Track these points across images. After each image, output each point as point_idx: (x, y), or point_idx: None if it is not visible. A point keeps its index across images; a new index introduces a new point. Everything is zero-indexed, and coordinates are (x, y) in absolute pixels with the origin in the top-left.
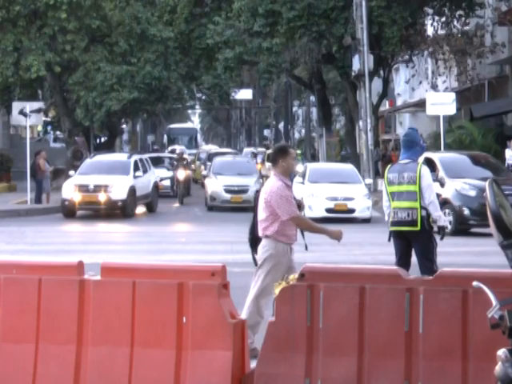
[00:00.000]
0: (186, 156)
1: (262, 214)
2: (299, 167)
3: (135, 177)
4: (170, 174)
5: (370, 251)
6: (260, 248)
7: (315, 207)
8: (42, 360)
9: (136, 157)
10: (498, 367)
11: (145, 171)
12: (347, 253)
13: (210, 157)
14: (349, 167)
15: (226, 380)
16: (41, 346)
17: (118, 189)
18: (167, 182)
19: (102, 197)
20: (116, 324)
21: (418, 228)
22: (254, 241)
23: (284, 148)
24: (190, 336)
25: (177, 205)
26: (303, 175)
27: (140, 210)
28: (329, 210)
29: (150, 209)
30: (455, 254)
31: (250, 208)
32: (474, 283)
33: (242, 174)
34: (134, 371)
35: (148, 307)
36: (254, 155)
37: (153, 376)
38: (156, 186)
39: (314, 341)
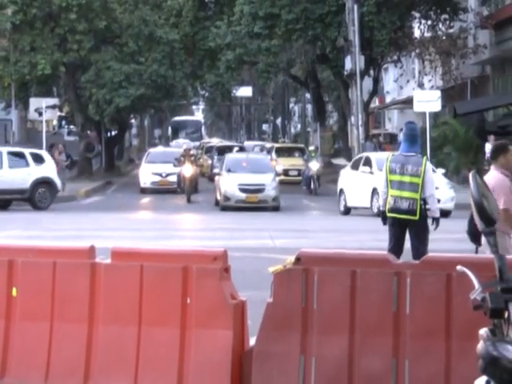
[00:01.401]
0: (193, 151)
1: None
2: (314, 165)
3: None
4: (177, 169)
5: (360, 238)
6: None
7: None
8: (56, 337)
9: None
10: (480, 346)
11: (22, 165)
12: (338, 239)
13: (219, 150)
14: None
15: (227, 356)
16: (55, 325)
17: None
18: (173, 178)
19: None
20: (125, 304)
21: (417, 217)
22: (475, 234)
23: (504, 146)
24: (194, 316)
25: (183, 202)
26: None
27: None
28: None
29: (33, 205)
30: (438, 240)
31: (267, 208)
32: (458, 267)
33: (257, 171)
34: (142, 348)
35: (155, 289)
36: (268, 151)
37: (159, 353)
38: (40, 182)
39: (308, 321)
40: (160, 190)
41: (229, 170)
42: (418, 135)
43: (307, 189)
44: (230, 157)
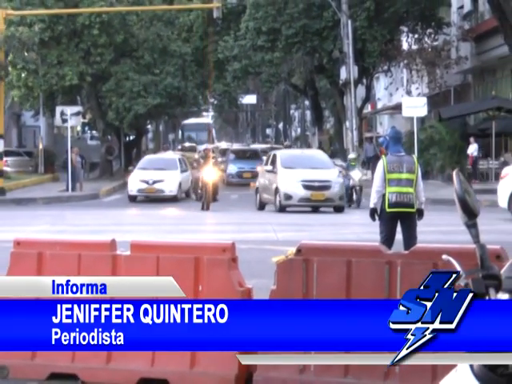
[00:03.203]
0: (212, 154)
1: None
2: (356, 174)
3: None
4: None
5: (356, 230)
6: None
7: None
8: None
9: None
10: None
11: None
12: (336, 232)
13: (236, 153)
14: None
15: None
16: None
17: None
18: (160, 185)
19: None
20: None
21: (414, 209)
22: None
23: None
24: None
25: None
26: None
27: None
28: None
29: None
30: (425, 233)
31: (334, 207)
32: (444, 256)
33: (318, 167)
34: None
35: None
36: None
37: None
38: None
39: None
40: (150, 198)
41: (286, 167)
42: (402, 137)
43: (347, 201)
44: (283, 152)
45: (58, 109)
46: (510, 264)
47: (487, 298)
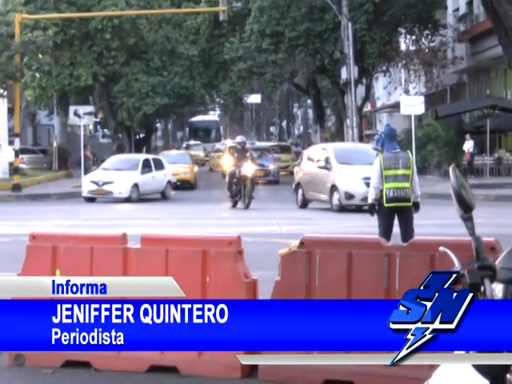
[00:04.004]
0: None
1: None
2: None
3: None
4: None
5: (357, 223)
6: None
7: None
8: None
9: None
10: None
11: None
12: (337, 225)
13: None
14: None
15: None
16: None
17: None
18: (110, 187)
19: None
20: None
21: (411, 203)
22: None
23: None
24: (213, 292)
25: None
26: None
27: None
28: None
29: None
30: (422, 226)
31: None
32: (440, 248)
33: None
34: None
35: (178, 270)
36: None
37: None
38: None
39: (311, 296)
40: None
41: (342, 163)
42: (396, 134)
43: None
44: (335, 147)
45: (72, 108)
46: (504, 255)
47: (482, 288)
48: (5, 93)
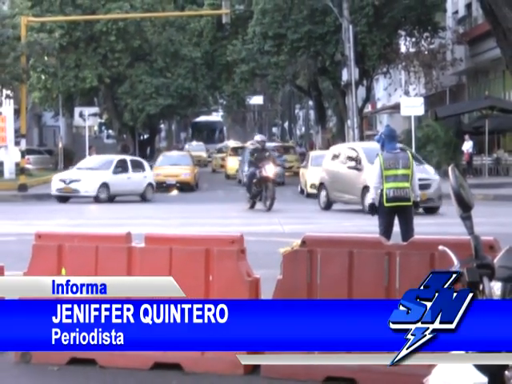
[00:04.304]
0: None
1: None
2: None
3: None
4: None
5: (357, 223)
6: None
7: None
8: None
9: None
10: None
11: None
12: (338, 224)
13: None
14: None
15: None
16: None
17: None
18: (76, 185)
19: None
20: None
21: (410, 203)
22: None
23: None
24: (216, 291)
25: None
26: None
27: None
28: None
29: None
30: (422, 225)
31: (427, 208)
32: (440, 247)
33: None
34: None
35: (182, 268)
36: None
37: None
38: None
39: (313, 294)
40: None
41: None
42: (396, 134)
43: None
44: (365, 146)
45: (77, 110)
46: (502, 254)
47: (481, 286)
48: (11, 94)
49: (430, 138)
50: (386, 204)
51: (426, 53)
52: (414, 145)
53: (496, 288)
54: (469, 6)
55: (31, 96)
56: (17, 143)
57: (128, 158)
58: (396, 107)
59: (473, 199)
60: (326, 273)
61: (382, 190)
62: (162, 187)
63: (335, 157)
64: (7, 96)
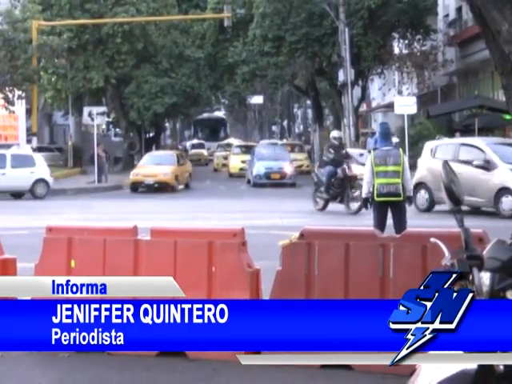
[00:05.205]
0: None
1: None
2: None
3: None
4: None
5: (352, 217)
6: None
7: None
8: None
9: None
10: None
11: None
12: (336, 218)
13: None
14: None
15: None
16: None
17: None
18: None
19: None
20: (162, 273)
21: (402, 198)
22: None
23: None
24: (218, 281)
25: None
26: None
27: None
28: None
29: None
30: (415, 218)
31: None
32: (432, 239)
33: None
34: None
35: (186, 260)
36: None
37: None
38: None
39: (311, 285)
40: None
41: (506, 162)
42: (391, 132)
43: None
44: (491, 142)
45: (86, 109)
46: (491, 246)
47: (470, 276)
48: (23, 94)
49: (422, 135)
50: (376, 198)
51: (419, 54)
52: (406, 142)
53: (485, 278)
54: (459, 10)
55: (43, 96)
56: (28, 141)
57: (9, 152)
58: (390, 106)
59: (463, 194)
60: (323, 264)
61: (373, 186)
62: (141, 187)
63: (439, 153)
64: (19, 96)
